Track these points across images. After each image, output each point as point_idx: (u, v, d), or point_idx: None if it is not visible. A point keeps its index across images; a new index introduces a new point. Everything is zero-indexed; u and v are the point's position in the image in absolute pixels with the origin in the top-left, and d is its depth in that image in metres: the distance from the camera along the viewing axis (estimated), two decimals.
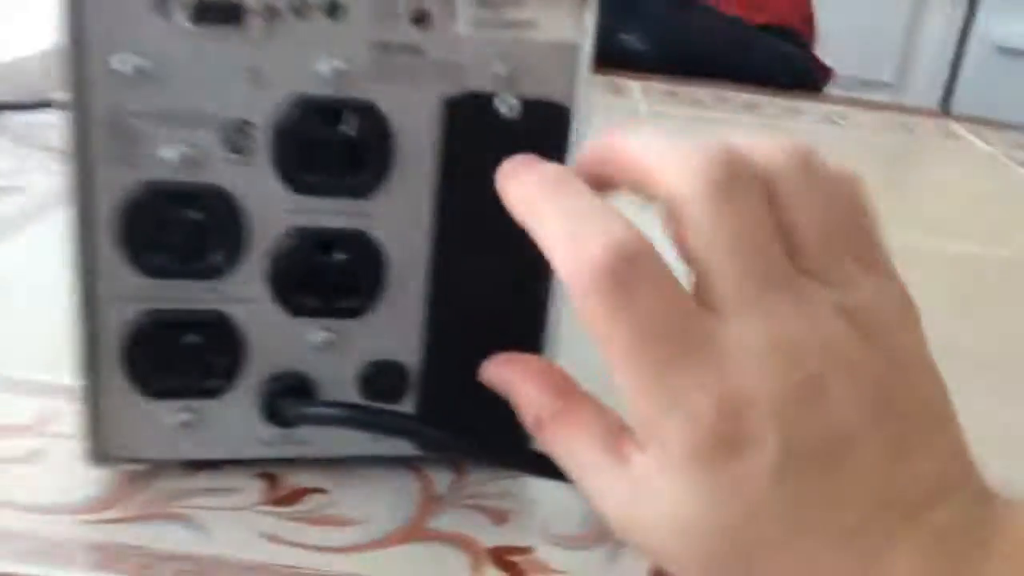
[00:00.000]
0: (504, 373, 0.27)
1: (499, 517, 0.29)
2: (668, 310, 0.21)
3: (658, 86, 0.92)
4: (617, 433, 0.23)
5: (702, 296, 0.22)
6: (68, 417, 0.31)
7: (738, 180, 0.22)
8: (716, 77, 0.96)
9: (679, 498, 0.21)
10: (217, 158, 0.26)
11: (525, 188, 0.24)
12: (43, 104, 0.63)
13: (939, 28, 2.10)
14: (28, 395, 0.32)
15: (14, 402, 0.32)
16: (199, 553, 0.26)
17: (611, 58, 0.86)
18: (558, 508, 0.29)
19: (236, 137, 0.25)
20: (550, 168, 0.24)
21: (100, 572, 0.25)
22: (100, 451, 0.28)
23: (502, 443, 0.28)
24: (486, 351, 0.29)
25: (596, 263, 0.21)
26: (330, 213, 0.27)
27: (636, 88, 0.91)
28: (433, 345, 0.29)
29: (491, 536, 0.28)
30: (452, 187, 0.27)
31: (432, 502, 0.29)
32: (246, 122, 0.25)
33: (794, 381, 0.21)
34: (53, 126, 0.61)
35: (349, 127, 0.26)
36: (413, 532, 0.28)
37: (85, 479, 0.28)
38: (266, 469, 0.30)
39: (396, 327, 0.29)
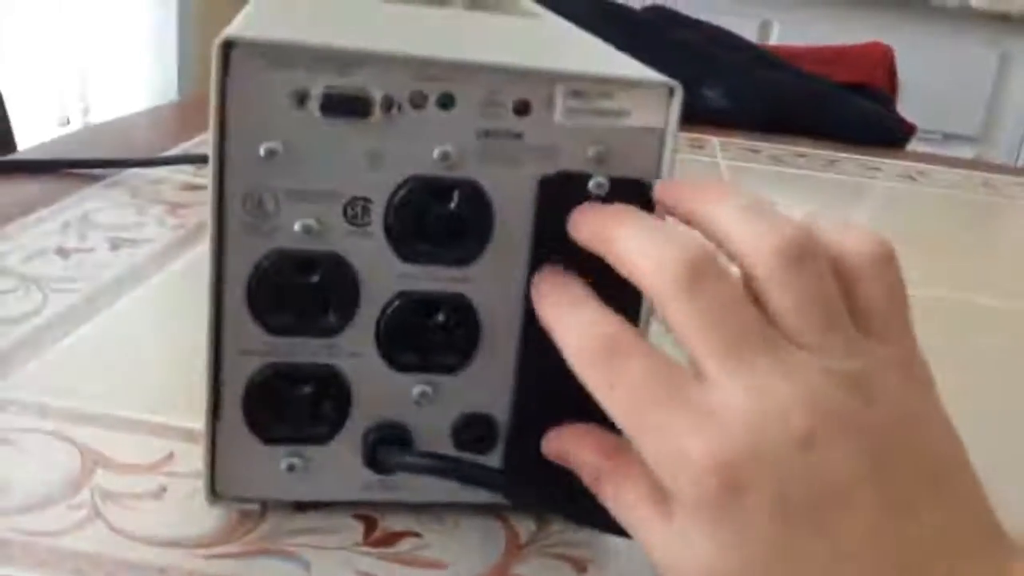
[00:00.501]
0: (561, 443, 0.30)
1: (579, 566, 0.31)
2: (660, 373, 0.25)
3: (738, 142, 0.94)
4: (664, 491, 0.25)
5: (695, 369, 0.25)
6: (186, 458, 0.34)
7: (707, 269, 0.25)
8: (796, 134, 0.97)
9: (699, 545, 0.24)
10: (338, 230, 0.29)
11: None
12: (157, 161, 0.68)
13: None
14: (150, 435, 0.35)
15: (137, 442, 0.35)
16: None
17: (693, 113, 0.88)
18: (635, 560, 0.31)
19: (355, 212, 0.28)
20: (564, 279, 0.28)
21: None
22: (217, 490, 0.31)
23: (580, 498, 0.30)
24: (572, 409, 0.31)
25: (588, 341, 0.26)
26: (433, 279, 0.30)
27: (716, 144, 0.93)
28: (522, 401, 0.31)
29: None
30: (544, 256, 0.30)
31: (516, 549, 0.31)
32: (366, 199, 0.28)
33: (781, 435, 0.23)
34: (166, 181, 0.66)
35: (455, 204, 0.29)
36: (501, 575, 0.30)
37: (202, 516, 0.31)
38: (365, 512, 0.32)
39: (488, 383, 0.31)
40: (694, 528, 0.24)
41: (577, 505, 0.30)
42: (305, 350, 0.30)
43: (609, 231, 0.27)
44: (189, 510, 0.31)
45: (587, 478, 0.28)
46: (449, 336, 0.30)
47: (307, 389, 0.30)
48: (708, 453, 0.23)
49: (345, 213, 0.29)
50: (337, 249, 0.29)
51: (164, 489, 0.32)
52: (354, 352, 0.30)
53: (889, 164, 0.95)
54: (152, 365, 0.41)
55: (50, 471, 0.32)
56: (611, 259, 0.27)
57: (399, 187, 0.28)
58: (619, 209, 0.28)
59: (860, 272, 0.26)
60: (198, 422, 0.36)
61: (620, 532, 0.28)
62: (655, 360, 0.25)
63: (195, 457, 0.34)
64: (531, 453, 0.32)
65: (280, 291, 0.29)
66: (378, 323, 0.30)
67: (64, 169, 0.64)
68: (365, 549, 0.31)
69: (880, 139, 1.01)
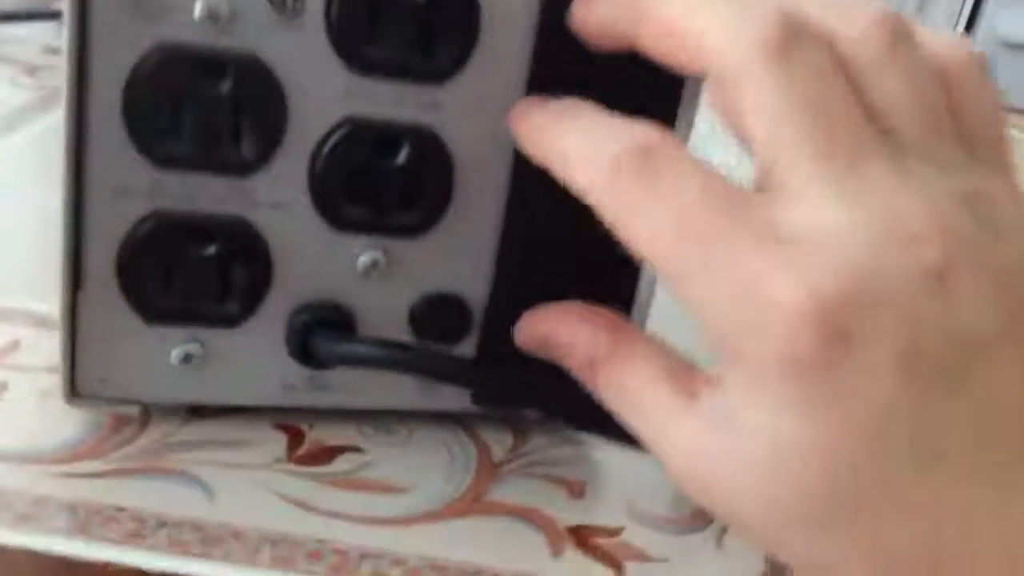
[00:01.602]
0: (540, 324, 0.22)
1: (574, 490, 0.24)
2: (715, 188, 0.17)
3: None
4: (683, 368, 0.19)
5: (765, 182, 0.17)
6: (35, 349, 0.25)
7: (800, 38, 0.17)
8: None
9: (769, 426, 0.16)
10: (257, 18, 0.20)
11: (535, 120, 0.21)
12: (17, 16, 0.56)
13: (943, 21, 2.08)
14: (3, 322, 0.26)
15: None
16: (203, 518, 0.20)
17: None
18: (642, 483, 0.24)
19: None
20: (560, 101, 0.21)
21: (76, 538, 0.19)
22: (80, 387, 0.22)
23: (578, 397, 0.23)
24: (566, 293, 0.24)
25: (614, 158, 0.18)
26: (392, 103, 0.21)
27: None
28: (503, 279, 0.24)
29: (568, 512, 0.23)
30: (547, 77, 0.22)
31: (491, 469, 0.24)
32: None
33: (908, 267, 0.16)
34: (23, 41, 0.55)
35: None
36: (474, 504, 0.23)
37: (59, 423, 0.23)
38: (288, 420, 0.24)
39: (460, 253, 0.23)
40: (768, 400, 0.16)
41: (576, 406, 0.23)
42: (208, 194, 0.21)
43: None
44: (41, 414, 0.23)
45: (577, 365, 0.21)
46: (410, 185, 0.22)
47: (208, 249, 0.22)
48: (803, 294, 0.16)
49: None
50: (255, 48, 0.20)
51: (3, 387, 0.24)
52: (277, 200, 0.22)
53: None
54: (3, 238, 0.32)
55: None
56: (656, 31, 0.19)
57: None
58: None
59: (961, 77, 0.19)
60: (52, 303, 0.27)
61: (630, 440, 0.21)
62: (710, 174, 0.18)
63: (47, 348, 0.25)
64: (513, 345, 0.24)
65: (171, 104, 0.20)
66: (312, 161, 0.21)
67: None
68: (289, 468, 0.23)
69: None
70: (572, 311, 0.22)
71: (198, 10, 0.20)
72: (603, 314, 0.21)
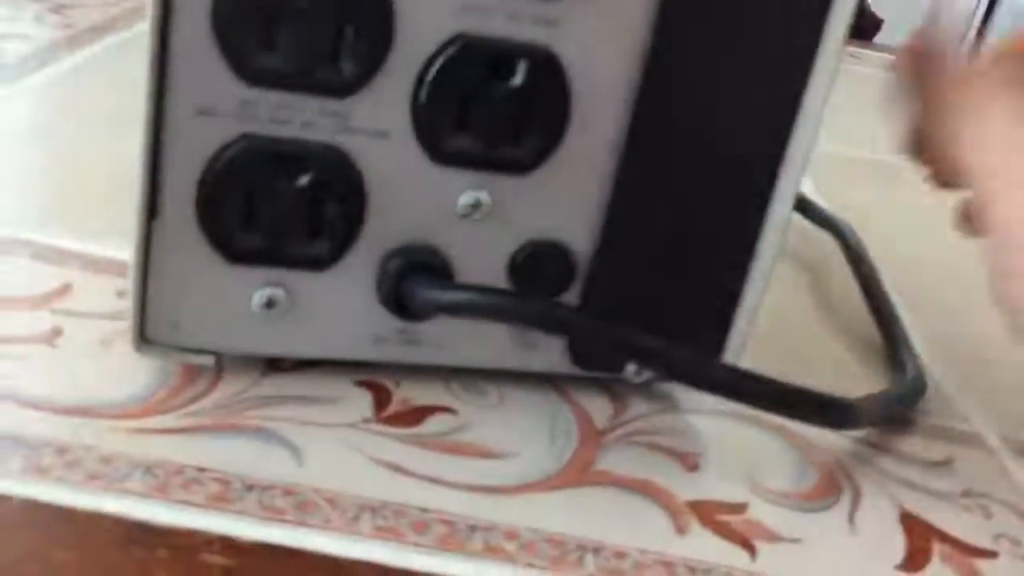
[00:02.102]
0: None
1: (687, 462, 0.21)
2: None
3: None
4: None
5: None
6: (87, 292, 0.23)
7: None
8: None
9: None
10: None
11: None
12: None
13: None
14: (32, 259, 0.24)
15: (11, 267, 0.23)
16: (293, 482, 0.18)
17: None
18: (758, 454, 0.22)
19: None
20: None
21: (154, 501, 0.17)
22: (150, 333, 0.20)
23: (686, 358, 0.21)
24: (679, 252, 0.21)
25: None
26: (508, 18, 0.19)
27: None
28: (613, 228, 0.21)
29: (684, 486, 0.21)
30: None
31: (594, 436, 0.22)
32: None
33: None
34: None
35: None
36: (582, 474, 0.20)
37: (124, 373, 0.20)
38: (370, 376, 0.22)
39: (569, 197, 0.21)
40: None
41: (686, 366, 0.21)
42: (301, 118, 0.19)
43: None
44: (102, 364, 0.20)
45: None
46: (522, 114, 0.20)
47: (300, 181, 0.19)
48: None
49: None
50: None
51: (58, 333, 0.21)
52: (376, 129, 0.19)
53: (866, 55, 0.88)
54: (27, 175, 0.29)
55: None
56: None
57: None
58: None
59: None
60: (102, 245, 0.25)
61: (747, 398, 0.19)
62: None
63: (103, 291, 0.23)
64: (619, 302, 0.22)
65: (268, 12, 0.18)
66: (417, 83, 0.19)
67: None
68: (377, 428, 0.20)
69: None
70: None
71: None
72: None
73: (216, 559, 0.16)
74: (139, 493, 0.17)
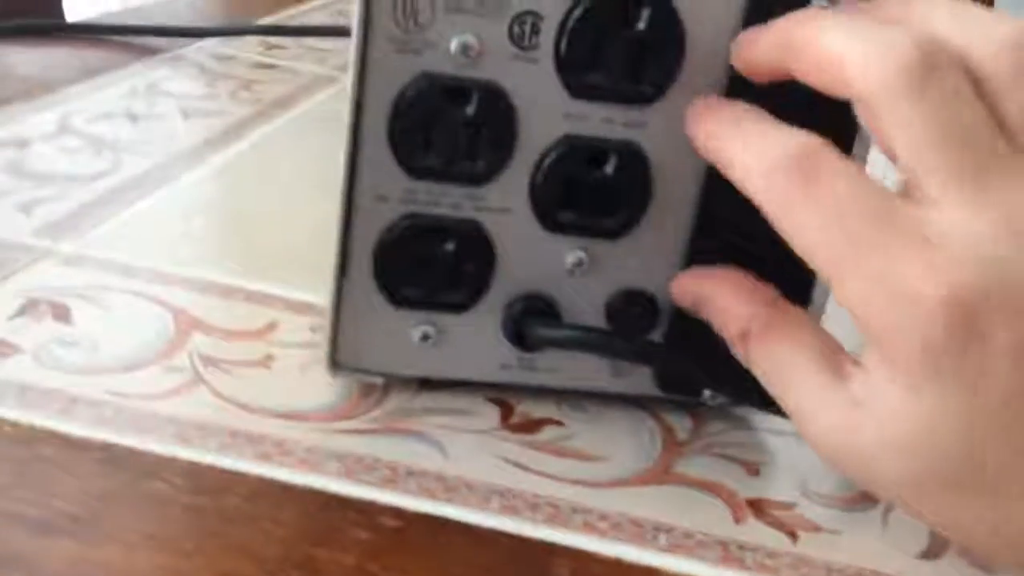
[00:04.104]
0: (701, 286, 0.25)
1: (751, 469, 0.27)
2: (866, 191, 0.20)
3: None
4: (833, 349, 0.22)
5: (912, 194, 0.20)
6: (290, 328, 0.30)
7: (936, 63, 0.20)
8: None
9: (909, 410, 0.19)
10: (500, 52, 0.24)
11: (708, 126, 0.23)
12: (233, 31, 0.63)
13: None
14: (247, 302, 0.31)
15: (234, 308, 0.31)
16: (442, 471, 0.25)
17: None
18: (812, 466, 0.27)
19: (523, 30, 0.24)
20: (732, 107, 0.23)
21: (345, 480, 0.24)
22: (339, 360, 0.27)
23: (749, 382, 0.26)
24: None
25: (775, 161, 0.21)
26: (605, 122, 0.25)
27: None
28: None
29: (745, 488, 0.26)
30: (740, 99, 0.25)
31: (675, 446, 0.27)
32: (536, 15, 0.23)
33: None
34: (235, 58, 0.62)
35: (644, 25, 0.24)
36: (662, 474, 0.26)
37: (319, 389, 0.27)
38: (498, 395, 0.28)
39: (653, 255, 0.27)
40: (907, 386, 0.19)
41: (749, 389, 0.26)
42: (448, 200, 0.25)
43: (806, 30, 0.21)
44: (303, 382, 0.27)
45: (731, 332, 0.24)
46: (615, 194, 0.26)
47: (448, 247, 0.26)
48: (940, 287, 0.18)
49: (511, 32, 0.24)
50: (497, 77, 0.24)
51: (271, 358, 0.28)
52: (504, 207, 0.26)
53: None
54: (240, 233, 0.37)
55: (141, 331, 0.29)
56: (807, 65, 0.21)
57: (577, 2, 0.24)
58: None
59: None
60: (298, 291, 0.32)
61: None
62: (863, 179, 0.20)
63: (300, 327, 0.30)
64: (695, 339, 0.27)
65: (427, 124, 0.24)
66: (534, 173, 0.25)
67: (130, 36, 0.59)
68: (504, 434, 0.27)
69: None
70: (732, 278, 0.25)
71: (454, 46, 0.24)
72: (762, 288, 0.24)
73: (390, 522, 0.22)
74: (333, 474, 0.24)
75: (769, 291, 0.24)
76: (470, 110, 0.24)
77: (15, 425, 0.24)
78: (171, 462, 0.23)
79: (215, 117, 0.49)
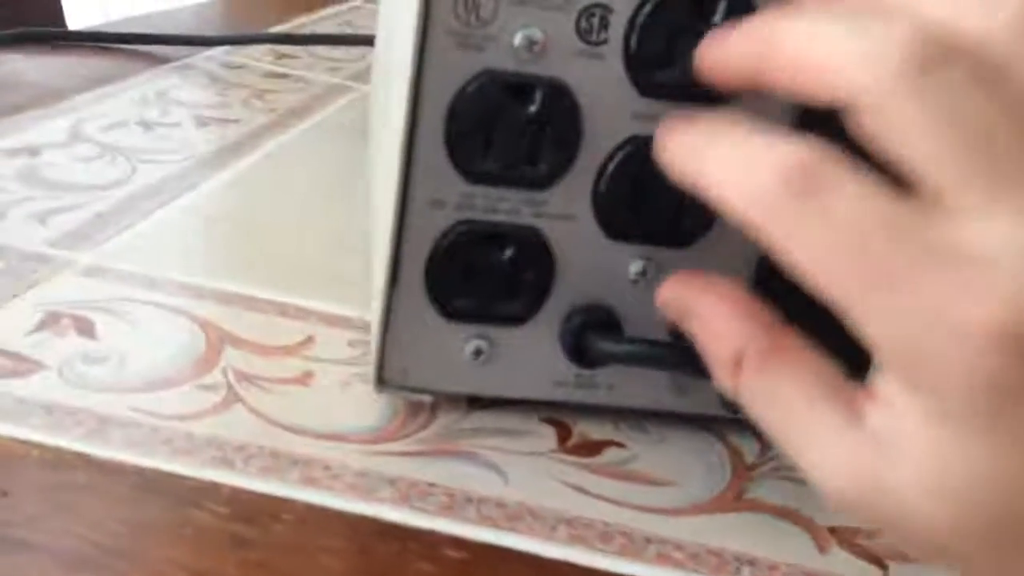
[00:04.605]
0: (690, 295, 0.21)
1: None
2: (885, 207, 0.16)
3: None
4: (841, 383, 0.19)
5: (937, 205, 0.17)
6: (328, 343, 0.28)
7: (937, 53, 0.17)
8: None
9: (954, 450, 0.16)
10: (566, 47, 0.22)
11: (683, 138, 0.20)
12: (246, 39, 0.62)
13: None
14: (281, 316, 0.29)
15: (268, 323, 0.29)
16: (502, 497, 0.23)
17: None
18: None
19: (590, 24, 0.22)
20: (709, 116, 0.20)
21: (401, 507, 0.22)
22: (386, 376, 0.25)
23: None
24: (814, 313, 0.25)
25: (770, 178, 0.17)
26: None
27: None
28: (762, 290, 0.25)
29: (824, 515, 0.24)
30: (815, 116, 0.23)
31: (744, 470, 0.25)
32: (605, 7, 0.22)
33: None
34: (246, 67, 0.60)
35: (718, 18, 0.22)
36: (734, 501, 0.24)
37: (363, 408, 0.25)
38: (553, 415, 0.26)
39: (722, 264, 0.25)
40: (951, 419, 0.16)
41: None
42: (507, 206, 0.24)
43: (778, 28, 0.18)
44: (345, 400, 0.26)
45: (724, 350, 0.20)
46: (684, 200, 0.24)
47: (505, 255, 0.24)
48: (993, 313, 0.15)
49: (578, 25, 0.22)
50: (561, 75, 0.23)
51: (310, 375, 0.27)
52: (565, 213, 0.24)
53: None
54: (264, 243, 0.35)
55: (169, 346, 0.27)
56: (786, 73, 0.18)
57: None
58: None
59: None
60: (332, 304, 0.30)
61: None
62: (876, 191, 0.17)
63: (338, 342, 0.28)
64: None
65: (487, 125, 0.23)
66: (599, 177, 0.24)
67: (138, 44, 0.58)
68: (563, 457, 0.25)
69: None
70: (726, 291, 0.21)
71: (518, 40, 0.22)
72: (760, 307, 0.21)
73: (453, 553, 0.21)
74: (388, 500, 0.22)
75: (767, 313, 0.20)
76: (533, 108, 0.23)
77: (42, 447, 0.22)
78: (212, 487, 0.21)
79: (229, 126, 0.47)
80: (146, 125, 0.45)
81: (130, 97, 0.49)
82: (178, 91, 0.51)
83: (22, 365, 0.25)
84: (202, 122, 0.47)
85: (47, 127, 0.43)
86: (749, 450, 0.26)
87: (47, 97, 0.47)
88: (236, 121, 0.48)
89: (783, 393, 0.19)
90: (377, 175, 0.30)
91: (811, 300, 0.25)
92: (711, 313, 0.21)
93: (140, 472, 0.22)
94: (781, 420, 0.19)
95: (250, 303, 0.30)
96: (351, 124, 0.50)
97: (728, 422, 0.27)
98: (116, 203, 0.36)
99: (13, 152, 0.39)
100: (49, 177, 0.37)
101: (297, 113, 0.50)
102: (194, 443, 0.23)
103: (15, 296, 0.28)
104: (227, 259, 0.33)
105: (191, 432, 0.23)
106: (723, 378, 0.20)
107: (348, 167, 0.43)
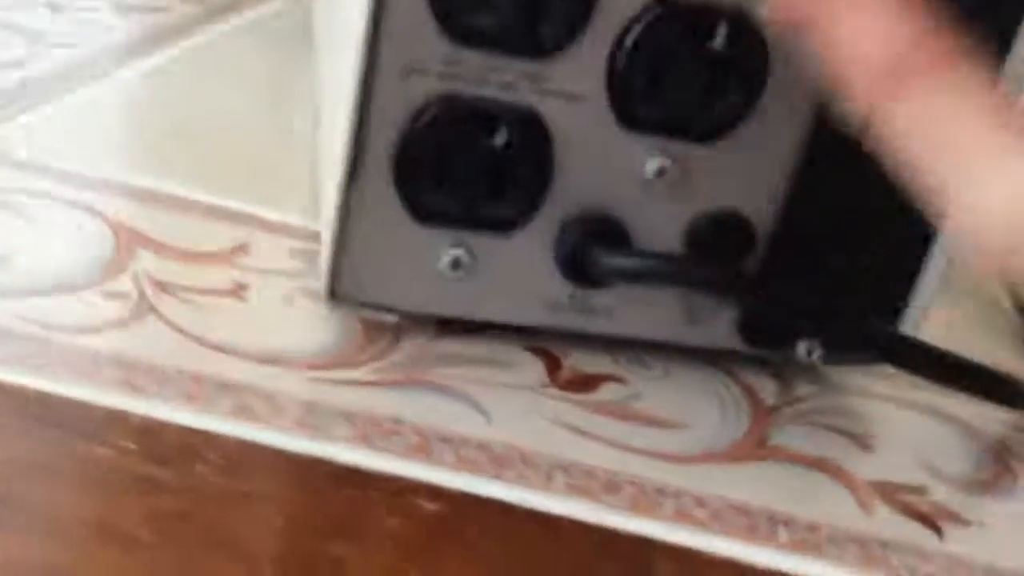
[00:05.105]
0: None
1: (861, 443, 0.21)
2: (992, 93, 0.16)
3: None
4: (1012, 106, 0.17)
5: None
6: (265, 252, 0.23)
7: None
8: None
9: None
10: None
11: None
12: None
13: None
14: (207, 218, 0.24)
15: (191, 225, 0.24)
16: (485, 438, 0.19)
17: None
18: (930, 437, 0.22)
19: None
20: None
21: (361, 447, 0.17)
22: (340, 289, 0.20)
23: (865, 331, 0.21)
24: (860, 224, 0.21)
25: (889, 54, 0.16)
26: None
27: None
28: (796, 200, 0.21)
29: (862, 466, 0.20)
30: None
31: (764, 413, 0.22)
32: None
33: None
34: None
35: None
36: (758, 448, 0.20)
37: (311, 329, 0.21)
38: (539, 344, 0.22)
39: (753, 167, 0.21)
40: None
41: (865, 340, 0.21)
42: (500, 78, 0.19)
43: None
44: (288, 318, 0.21)
45: (870, 65, 0.17)
46: (717, 84, 0.20)
47: (495, 142, 0.20)
48: None
49: None
50: None
51: (243, 287, 0.22)
52: (571, 91, 0.19)
53: None
54: (190, 139, 0.30)
55: (70, 246, 0.21)
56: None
57: None
58: None
59: None
60: (270, 209, 0.25)
61: (927, 373, 0.20)
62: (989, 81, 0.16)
63: (279, 251, 0.23)
64: (797, 275, 0.22)
65: None
66: (615, 48, 0.19)
67: None
68: (554, 392, 0.21)
69: None
70: None
71: None
72: (914, 14, 0.17)
73: (427, 504, 0.16)
74: (344, 439, 0.17)
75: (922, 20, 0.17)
76: None
77: None
78: (119, 417, 0.17)
79: (153, 15, 0.41)
80: (55, 7, 0.39)
81: None
82: None
83: None
84: (121, 9, 0.41)
85: None
86: (765, 390, 0.22)
87: None
88: (163, 10, 0.42)
89: (947, 107, 0.16)
90: (333, 51, 0.25)
91: (847, 193, 0.21)
92: (854, 11, 0.17)
93: (28, 397, 0.17)
94: (942, 138, 0.16)
95: (170, 202, 0.25)
96: (295, 22, 0.44)
97: (740, 359, 0.23)
98: (12, 85, 0.30)
99: None
100: None
101: (232, 6, 0.44)
102: (97, 362, 0.18)
103: None
104: (144, 154, 0.28)
105: (95, 348, 0.18)
106: (866, 90, 0.17)
107: (287, 68, 0.38)
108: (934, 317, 0.22)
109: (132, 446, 0.16)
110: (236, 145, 0.30)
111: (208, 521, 0.15)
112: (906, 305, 0.22)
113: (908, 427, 0.22)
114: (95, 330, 0.19)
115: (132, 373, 0.18)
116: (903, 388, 0.23)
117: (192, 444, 0.17)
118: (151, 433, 0.17)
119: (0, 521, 0.14)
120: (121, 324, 0.19)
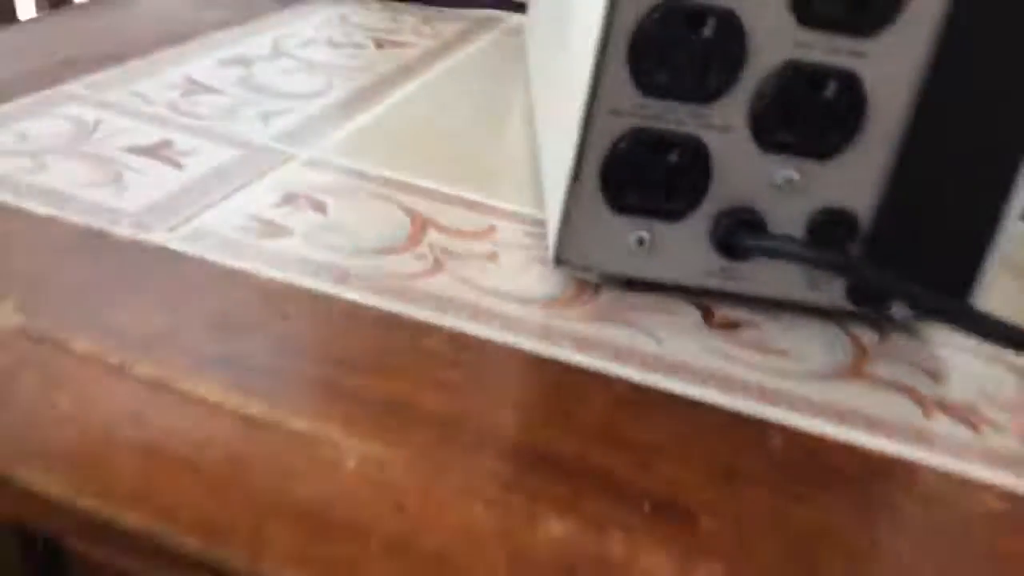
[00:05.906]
0: None
1: (934, 376, 0.29)
2: None
3: None
4: None
5: None
6: (508, 232, 0.33)
7: None
8: None
9: None
10: None
11: None
12: None
13: None
14: (467, 210, 0.35)
15: (457, 213, 0.35)
16: (660, 355, 0.28)
17: None
18: (991, 375, 0.29)
19: None
20: None
21: (581, 353, 0.27)
22: (564, 256, 0.30)
23: (938, 297, 0.28)
24: (940, 219, 0.29)
25: None
26: (828, 50, 0.27)
27: None
28: (890, 201, 0.29)
29: (931, 389, 0.28)
30: (956, 42, 0.27)
31: (864, 351, 0.30)
32: None
33: None
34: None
35: None
36: (855, 372, 0.29)
37: (541, 281, 0.31)
38: (699, 300, 0.31)
39: (858, 175, 0.29)
40: None
41: (938, 304, 0.28)
42: (675, 117, 0.28)
43: None
44: (525, 275, 0.31)
45: None
46: (829, 119, 0.28)
47: (670, 159, 0.29)
48: None
49: None
50: (732, 5, 0.27)
51: (495, 255, 0.32)
52: (725, 125, 0.29)
53: None
54: (446, 150, 0.41)
55: (385, 224, 0.33)
56: None
57: None
58: None
59: None
60: (510, 203, 0.36)
61: (989, 335, 0.26)
62: None
63: (517, 232, 0.34)
64: (891, 259, 0.30)
65: (663, 47, 0.27)
66: (757, 95, 0.28)
67: None
68: (708, 331, 0.30)
69: None
70: None
71: None
72: None
73: (624, 390, 0.26)
74: (568, 347, 0.27)
75: None
76: (707, 32, 0.27)
77: (312, 291, 0.28)
78: (436, 327, 0.27)
79: (403, 48, 0.52)
80: (334, 44, 0.51)
81: (315, 20, 0.55)
82: (355, 16, 0.57)
83: (275, 229, 0.31)
84: (379, 44, 0.52)
85: (253, 42, 0.49)
86: (867, 338, 0.31)
87: (244, 14, 0.53)
88: (411, 44, 0.53)
89: None
90: (552, 92, 0.35)
91: (930, 195, 0.29)
92: None
93: (379, 312, 0.28)
94: None
95: (443, 198, 0.36)
96: (511, 50, 0.55)
97: (852, 315, 0.31)
98: (321, 109, 0.42)
99: (232, 62, 0.46)
100: (262, 84, 0.44)
101: (462, 38, 0.55)
102: (417, 295, 0.29)
103: (257, 179, 0.34)
104: (417, 161, 0.39)
105: (415, 287, 0.29)
106: None
107: (503, 90, 0.48)
108: (994, 289, 0.29)
109: (445, 345, 0.27)
110: (474, 156, 0.40)
111: (497, 390, 0.25)
112: (974, 281, 0.30)
113: (974, 368, 0.30)
114: (411, 277, 0.30)
115: (440, 302, 0.28)
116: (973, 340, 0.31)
117: (476, 345, 0.27)
118: (455, 339, 0.27)
119: (355, 384, 0.25)
120: (425, 275, 0.30)
